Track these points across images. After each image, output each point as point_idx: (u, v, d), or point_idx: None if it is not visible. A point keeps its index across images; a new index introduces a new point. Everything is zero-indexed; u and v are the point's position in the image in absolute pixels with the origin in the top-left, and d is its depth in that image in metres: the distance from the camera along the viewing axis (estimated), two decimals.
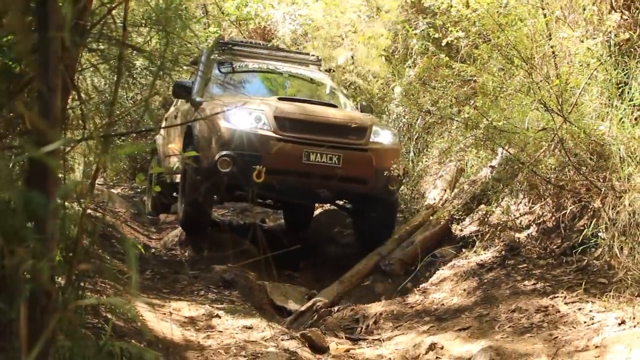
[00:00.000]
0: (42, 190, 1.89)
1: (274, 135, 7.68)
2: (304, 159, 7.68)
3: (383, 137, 8.25)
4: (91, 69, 4.30)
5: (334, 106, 8.76)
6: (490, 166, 8.14)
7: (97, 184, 8.46)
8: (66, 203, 2.92)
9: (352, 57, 11.94)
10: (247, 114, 7.72)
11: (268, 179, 7.33)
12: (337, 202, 9.44)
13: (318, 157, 7.74)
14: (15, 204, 1.90)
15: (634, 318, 5.14)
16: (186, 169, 8.11)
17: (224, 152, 7.35)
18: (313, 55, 10.52)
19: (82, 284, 2.86)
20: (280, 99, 8.39)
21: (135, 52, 4.09)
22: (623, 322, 5.14)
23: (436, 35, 9.80)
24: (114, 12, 2.93)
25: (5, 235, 1.87)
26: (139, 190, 12.26)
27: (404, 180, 8.76)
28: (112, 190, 11.66)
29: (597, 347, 4.92)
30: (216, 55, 9.06)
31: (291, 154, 7.63)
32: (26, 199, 1.83)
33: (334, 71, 10.48)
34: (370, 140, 8.12)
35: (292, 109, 8.03)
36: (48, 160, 1.80)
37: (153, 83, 3.50)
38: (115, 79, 2.85)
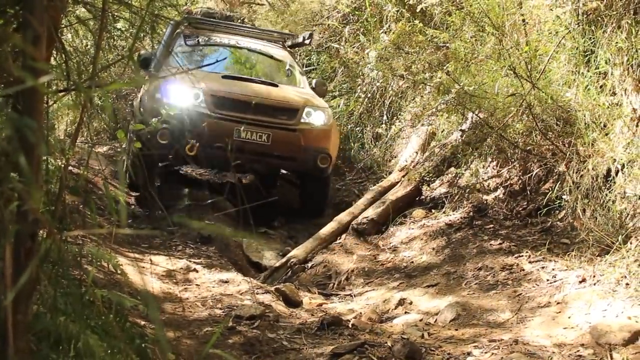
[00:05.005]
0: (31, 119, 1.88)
1: (208, 112, 8.26)
2: (235, 136, 8.20)
3: (315, 118, 8.81)
4: (74, 27, 4.40)
5: (276, 85, 9.20)
6: (461, 130, 8.27)
7: (79, 142, 8.53)
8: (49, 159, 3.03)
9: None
10: (187, 91, 8.25)
11: (200, 152, 7.81)
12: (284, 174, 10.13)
13: (248, 135, 8.35)
14: (6, 129, 1.91)
15: (594, 276, 5.34)
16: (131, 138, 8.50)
17: (163, 126, 7.62)
18: (285, 33, 10.98)
19: (64, 237, 2.90)
20: (224, 77, 8.94)
21: (117, 8, 4.19)
22: (584, 280, 5.35)
23: (411, 2, 9.93)
24: None
25: None
26: (119, 150, 12.30)
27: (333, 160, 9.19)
28: (93, 149, 11.67)
29: (558, 303, 5.14)
30: (183, 28, 9.32)
31: (223, 131, 8.09)
32: (18, 124, 1.84)
33: (305, 44, 10.65)
34: (301, 120, 8.70)
35: (228, 89, 8.61)
36: (39, 86, 1.82)
37: (137, 34, 3.59)
38: (98, 30, 2.91)
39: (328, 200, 9.42)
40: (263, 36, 10.54)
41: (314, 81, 10.12)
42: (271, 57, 10.10)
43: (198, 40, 9.54)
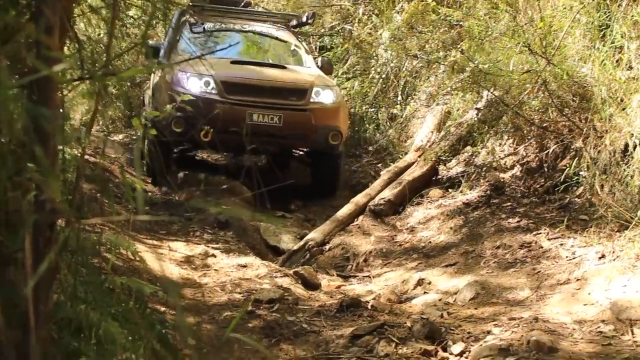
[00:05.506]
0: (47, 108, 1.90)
1: (220, 98, 8.50)
2: (247, 120, 8.44)
3: (324, 96, 9.02)
4: (86, 16, 4.40)
5: (284, 67, 9.44)
6: (476, 108, 8.24)
7: (94, 131, 8.58)
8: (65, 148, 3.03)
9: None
10: (197, 79, 8.55)
11: (215, 137, 7.77)
12: (296, 154, 10.37)
13: (260, 118, 8.60)
14: (22, 119, 1.88)
15: (613, 252, 5.33)
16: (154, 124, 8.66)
17: (177, 114, 7.83)
18: (288, 14, 11.19)
19: (82, 225, 2.91)
20: (233, 62, 9.11)
21: None
22: (603, 256, 5.34)
23: None
24: None
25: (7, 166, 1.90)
26: (135, 137, 12.37)
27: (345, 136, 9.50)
28: (109, 137, 11.76)
29: (578, 280, 5.13)
30: (188, 16, 9.57)
31: (236, 115, 8.35)
32: (33, 112, 1.84)
33: (309, 23, 10.77)
34: (311, 100, 8.92)
35: (238, 74, 8.85)
36: (54, 75, 1.81)
37: (149, 21, 3.59)
38: (110, 19, 2.92)
39: (340, 178, 9.59)
40: (267, 19, 10.74)
41: (319, 60, 10.35)
42: (276, 38, 10.30)
43: (204, 28, 9.69)
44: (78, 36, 3.19)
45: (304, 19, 10.54)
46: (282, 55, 10.08)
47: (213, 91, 8.58)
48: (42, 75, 1.80)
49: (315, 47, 13.08)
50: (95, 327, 2.49)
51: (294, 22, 10.74)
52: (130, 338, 2.66)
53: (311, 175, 9.86)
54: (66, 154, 3.19)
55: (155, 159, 8.67)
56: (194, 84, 8.55)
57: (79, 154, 2.90)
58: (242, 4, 10.99)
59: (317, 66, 10.01)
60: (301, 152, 10.12)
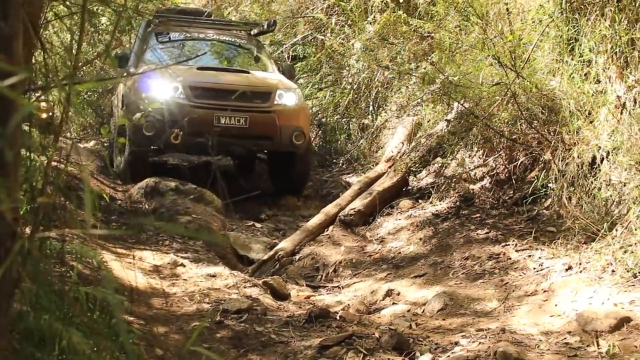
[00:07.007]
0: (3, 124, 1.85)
1: (188, 102, 8.81)
2: (215, 122, 8.83)
3: (287, 99, 9.40)
4: (55, 24, 4.37)
5: (247, 72, 9.81)
6: (446, 120, 8.27)
7: (64, 137, 8.50)
8: (32, 155, 2.99)
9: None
10: (166, 85, 8.79)
11: (184, 140, 8.24)
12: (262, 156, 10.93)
13: (227, 120, 8.97)
14: None
15: (580, 264, 5.37)
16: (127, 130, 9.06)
17: (148, 118, 8.22)
18: (249, 23, 11.60)
19: (47, 235, 2.85)
20: (199, 68, 9.49)
21: (99, 6, 4.16)
22: (570, 267, 5.39)
23: None
24: None
25: None
26: (105, 144, 12.30)
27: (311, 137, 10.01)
28: (79, 144, 11.69)
29: (545, 291, 5.17)
30: (154, 26, 10.01)
31: (204, 119, 8.70)
32: None
33: (270, 31, 11.03)
34: (275, 102, 9.29)
35: (204, 79, 9.22)
36: (9, 93, 1.74)
37: (115, 29, 3.57)
38: (79, 28, 2.89)
39: (307, 177, 9.95)
40: (229, 27, 11.06)
41: (282, 65, 10.78)
42: (239, 46, 10.76)
43: (169, 37, 10.07)
44: (44, 45, 3.16)
45: (265, 27, 10.84)
46: (245, 61, 10.50)
47: (181, 96, 8.86)
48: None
49: (288, 57, 13.11)
50: (58, 337, 2.46)
51: (256, 30, 11.02)
52: (94, 349, 2.63)
53: (269, 172, 10.38)
54: (33, 161, 3.16)
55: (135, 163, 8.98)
56: (163, 90, 8.75)
57: (45, 162, 2.87)
58: (205, 14, 11.21)
59: (280, 71, 10.37)
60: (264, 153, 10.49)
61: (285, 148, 9.40)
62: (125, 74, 9.40)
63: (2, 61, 1.77)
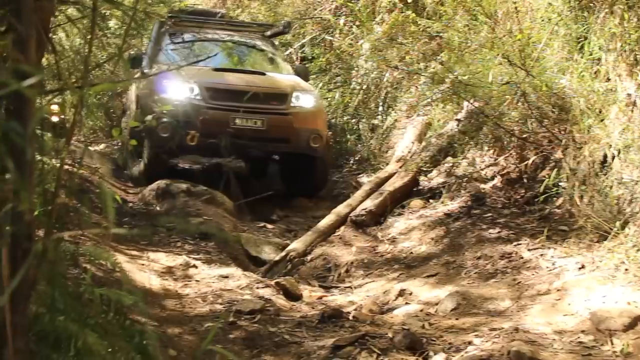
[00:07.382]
0: (20, 122, 1.85)
1: (204, 104, 8.78)
2: (231, 124, 8.76)
3: (303, 101, 9.37)
4: (65, 27, 4.37)
5: (263, 74, 9.72)
6: (456, 119, 8.27)
7: (76, 140, 8.55)
8: (44, 159, 3.01)
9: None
10: (182, 86, 8.76)
11: (200, 141, 8.35)
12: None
13: (244, 122, 8.89)
14: None
15: (593, 262, 5.37)
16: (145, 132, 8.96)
17: (163, 120, 8.20)
18: (264, 24, 11.56)
19: (60, 236, 2.85)
20: (215, 69, 9.38)
21: (108, 9, 4.17)
22: (583, 266, 5.38)
23: None
24: None
25: None
26: (116, 147, 12.34)
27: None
28: (90, 147, 11.74)
29: (558, 290, 5.15)
30: (168, 27, 9.89)
31: (220, 120, 8.69)
32: (4, 128, 1.81)
33: (285, 32, 11.02)
34: (291, 104, 9.24)
35: (220, 80, 9.19)
36: (27, 91, 1.76)
37: (126, 33, 3.58)
38: (90, 31, 2.89)
39: (326, 178, 9.86)
40: (244, 29, 10.99)
41: (296, 66, 10.78)
42: (254, 47, 10.60)
43: (183, 38, 9.92)
44: (55, 48, 3.17)
45: (280, 28, 10.78)
46: (260, 62, 10.34)
47: (197, 97, 8.77)
48: (12, 89, 1.78)
49: (297, 58, 13.12)
50: (74, 338, 2.47)
51: (270, 32, 10.96)
52: (109, 350, 2.64)
53: (281, 173, 10.35)
54: (46, 164, 3.18)
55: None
56: (179, 90, 8.72)
57: (57, 164, 2.87)
58: (219, 15, 11.17)
59: (294, 73, 10.28)
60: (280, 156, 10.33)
61: (302, 151, 9.30)
62: (139, 75, 9.36)
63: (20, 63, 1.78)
